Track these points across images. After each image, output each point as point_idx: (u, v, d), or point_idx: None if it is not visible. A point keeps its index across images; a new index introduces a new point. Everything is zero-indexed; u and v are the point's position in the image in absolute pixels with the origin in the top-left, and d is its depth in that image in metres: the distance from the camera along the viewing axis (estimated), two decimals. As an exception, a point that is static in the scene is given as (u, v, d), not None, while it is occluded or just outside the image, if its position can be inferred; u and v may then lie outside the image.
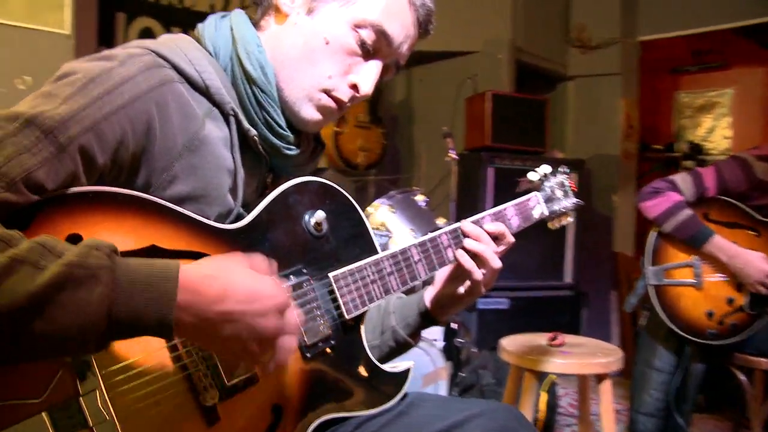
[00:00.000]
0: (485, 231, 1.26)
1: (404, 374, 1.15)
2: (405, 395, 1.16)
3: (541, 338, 2.22)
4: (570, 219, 1.58)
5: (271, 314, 0.87)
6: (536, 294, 3.70)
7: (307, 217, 1.09)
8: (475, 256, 1.24)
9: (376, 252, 1.16)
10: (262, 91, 1.07)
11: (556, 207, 1.49)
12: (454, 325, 3.10)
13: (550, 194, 1.49)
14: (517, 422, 1.10)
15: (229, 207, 1.05)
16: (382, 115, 4.36)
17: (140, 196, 0.93)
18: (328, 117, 1.11)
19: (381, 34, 1.09)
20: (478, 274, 1.23)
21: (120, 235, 0.90)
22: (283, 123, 1.10)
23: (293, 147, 1.12)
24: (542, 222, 1.51)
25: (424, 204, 3.07)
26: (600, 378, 2.04)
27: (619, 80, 4.56)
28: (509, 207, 1.37)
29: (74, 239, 0.85)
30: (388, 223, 2.95)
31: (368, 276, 1.13)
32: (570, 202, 1.54)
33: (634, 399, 2.51)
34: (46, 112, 0.86)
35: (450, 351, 2.89)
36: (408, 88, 4.79)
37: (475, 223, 1.27)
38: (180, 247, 0.96)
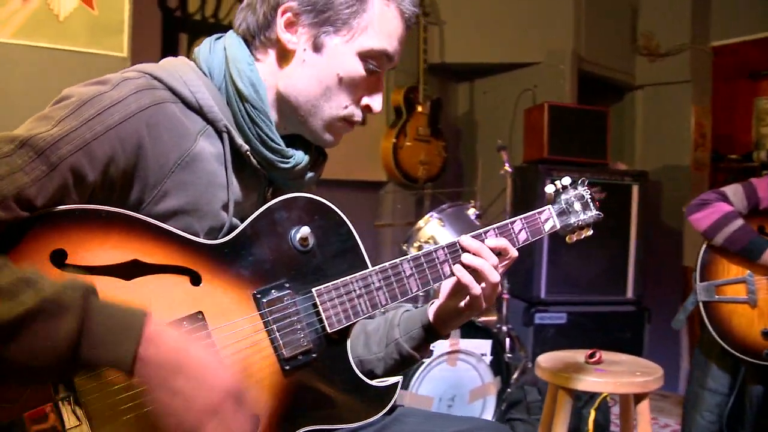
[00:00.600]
0: (486, 246, 1.23)
1: (391, 389, 1.15)
2: (393, 410, 1.15)
3: (580, 355, 2.14)
4: (590, 232, 1.52)
5: (224, 380, 0.90)
6: (596, 309, 3.58)
7: (292, 232, 1.11)
8: (474, 270, 1.21)
9: (366, 267, 1.16)
10: (254, 107, 1.11)
11: (572, 220, 1.44)
12: (506, 339, 3.04)
13: (564, 207, 1.44)
14: None
15: (222, 221, 1.08)
16: (442, 128, 4.34)
17: (125, 213, 0.98)
18: (342, 135, 1.20)
19: (385, 56, 1.15)
20: (477, 288, 1.21)
21: (104, 250, 0.95)
22: (276, 138, 1.13)
23: (288, 160, 1.15)
24: (556, 235, 1.47)
25: (474, 217, 3.04)
26: (638, 398, 1.95)
27: (690, 87, 4.36)
28: (518, 220, 1.34)
29: (59, 254, 0.91)
30: (437, 236, 2.94)
31: (354, 291, 1.13)
32: (589, 215, 1.48)
33: (686, 420, 2.38)
34: (40, 134, 0.92)
35: (499, 366, 2.83)
36: (470, 100, 4.76)
37: (477, 237, 1.24)
38: (161, 262, 1.00)
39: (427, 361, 2.71)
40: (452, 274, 1.22)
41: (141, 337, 0.85)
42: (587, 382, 1.89)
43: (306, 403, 1.08)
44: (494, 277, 1.21)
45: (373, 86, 1.16)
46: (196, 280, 1.02)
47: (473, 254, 1.22)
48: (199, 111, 1.08)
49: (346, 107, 1.14)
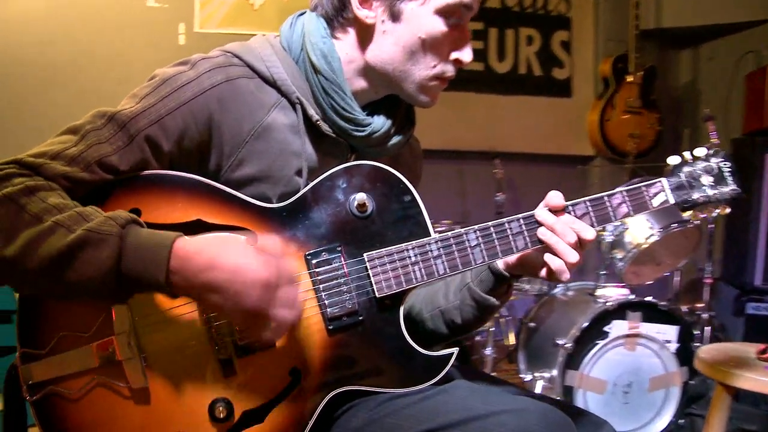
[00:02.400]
0: (562, 222, 1.11)
1: (443, 359, 1.10)
2: (445, 380, 1.10)
3: (752, 349, 1.83)
4: (725, 210, 1.30)
5: (254, 289, 0.92)
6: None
7: (351, 198, 1.11)
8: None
9: (428, 234, 1.12)
10: (326, 78, 1.14)
11: (695, 195, 1.24)
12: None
13: (685, 181, 1.25)
14: (545, 427, 0.97)
15: (295, 187, 1.13)
16: (657, 99, 3.94)
17: (192, 178, 1.07)
18: (439, 93, 1.19)
19: (463, 7, 1.13)
20: (555, 263, 1.11)
21: (172, 209, 1.06)
22: (350, 107, 1.15)
23: (363, 128, 1.16)
24: (676, 211, 1.28)
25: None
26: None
27: None
28: (618, 193, 1.19)
29: (135, 212, 1.03)
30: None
31: (409, 258, 1.10)
32: (722, 191, 1.26)
33: None
34: (125, 109, 1.05)
35: (687, 355, 2.53)
36: (691, 68, 4.23)
37: (559, 210, 1.13)
38: (222, 222, 1.07)
39: (601, 342, 2.52)
40: (525, 247, 1.13)
41: (170, 259, 0.92)
42: (749, 380, 1.61)
43: (349, 364, 1.08)
44: (569, 256, 1.10)
45: (458, 39, 1.14)
46: (252, 239, 1.07)
47: (547, 229, 1.11)
48: (273, 84, 1.14)
49: (435, 66, 1.14)
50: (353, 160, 1.19)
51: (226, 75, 1.10)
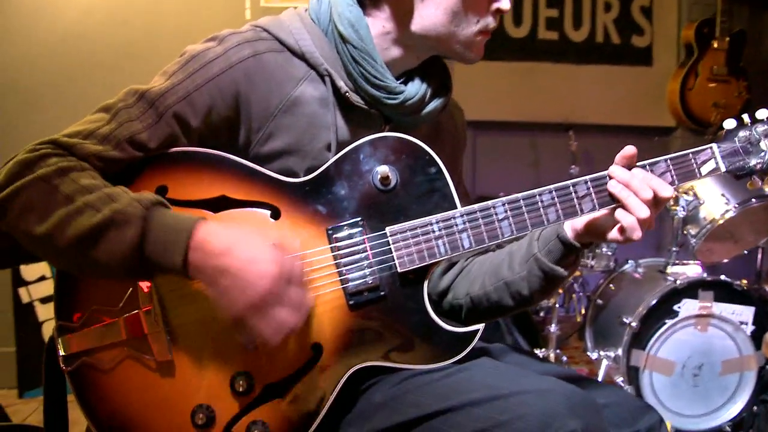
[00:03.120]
0: (646, 178, 1.08)
1: (468, 336, 1.06)
2: (471, 357, 1.07)
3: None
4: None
5: (263, 282, 0.93)
6: None
7: (374, 171, 1.08)
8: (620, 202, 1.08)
9: (454, 207, 1.08)
10: (355, 47, 1.11)
11: (752, 162, 1.15)
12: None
13: (740, 147, 1.15)
14: (568, 409, 0.92)
15: (324, 160, 1.12)
16: (746, 66, 3.66)
17: (217, 154, 1.08)
18: (483, 47, 1.17)
19: None
20: (627, 219, 1.07)
21: (197, 186, 1.07)
22: (381, 74, 1.12)
23: (396, 96, 1.13)
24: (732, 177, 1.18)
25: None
26: None
27: None
28: (661, 161, 1.11)
29: (162, 189, 1.05)
30: (698, 188, 2.53)
31: (432, 232, 1.07)
32: (788, 157, 1.15)
33: None
34: (155, 87, 1.06)
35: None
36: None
37: (634, 167, 1.09)
38: (246, 197, 1.07)
39: (669, 321, 2.39)
40: (593, 209, 1.10)
41: (189, 243, 0.93)
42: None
43: (371, 340, 1.06)
44: (641, 211, 1.05)
45: None
46: (275, 214, 1.07)
47: (621, 183, 1.08)
48: (302, 57, 1.13)
49: (478, 21, 1.12)
50: (387, 131, 1.16)
51: (254, 49, 1.09)
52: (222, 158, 1.07)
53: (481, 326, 1.07)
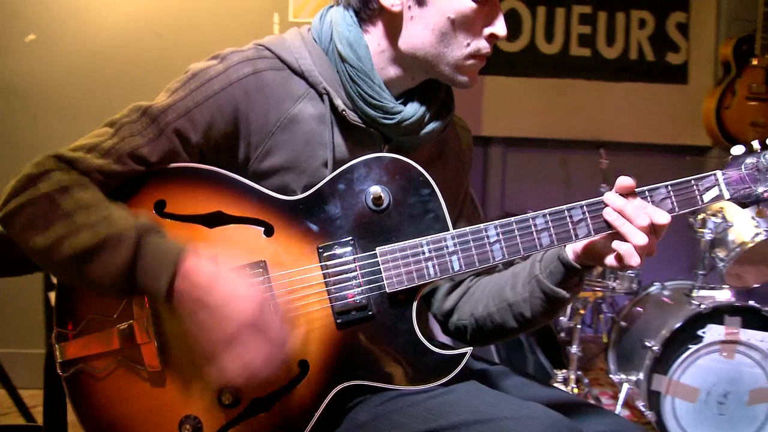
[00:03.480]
0: (641, 205, 1.06)
1: (455, 359, 1.05)
2: (458, 379, 1.06)
3: None
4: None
5: (237, 318, 0.95)
6: None
7: (367, 191, 1.09)
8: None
9: (447, 229, 1.08)
10: (352, 66, 1.12)
11: (760, 189, 1.12)
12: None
13: (746, 174, 1.12)
14: None
15: (321, 178, 1.13)
16: (786, 83, 3.56)
17: (214, 171, 1.10)
18: (478, 72, 1.16)
19: None
20: (623, 247, 1.05)
21: (195, 201, 1.09)
22: (378, 95, 1.12)
23: (392, 116, 1.13)
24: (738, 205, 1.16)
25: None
26: None
27: None
28: (661, 187, 1.09)
29: (161, 204, 1.08)
30: (727, 209, 2.47)
31: (422, 253, 1.07)
32: (798, 186, 1.12)
33: None
34: (157, 103, 1.10)
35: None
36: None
37: (630, 195, 1.07)
38: (241, 214, 1.10)
39: (693, 347, 2.33)
40: (588, 235, 1.08)
41: (175, 273, 0.96)
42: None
43: (357, 359, 1.06)
44: (637, 238, 1.03)
45: (489, 14, 1.10)
46: (269, 231, 1.09)
47: (615, 210, 1.06)
48: (301, 75, 1.15)
49: (468, 44, 1.10)
50: (386, 151, 1.17)
51: (254, 68, 1.12)
52: (219, 175, 1.10)
53: (468, 350, 1.06)
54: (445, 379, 1.06)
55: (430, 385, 1.06)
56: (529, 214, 1.09)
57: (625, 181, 1.07)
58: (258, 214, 1.09)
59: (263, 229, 1.08)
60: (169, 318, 1.05)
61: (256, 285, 0.99)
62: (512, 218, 1.08)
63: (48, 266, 1.03)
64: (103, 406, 1.04)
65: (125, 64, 2.99)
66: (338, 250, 1.08)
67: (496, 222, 1.08)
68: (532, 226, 1.08)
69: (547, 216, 1.08)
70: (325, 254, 1.07)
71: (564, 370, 2.84)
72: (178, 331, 1.04)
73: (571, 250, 1.13)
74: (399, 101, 1.16)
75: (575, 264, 1.13)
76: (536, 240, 1.08)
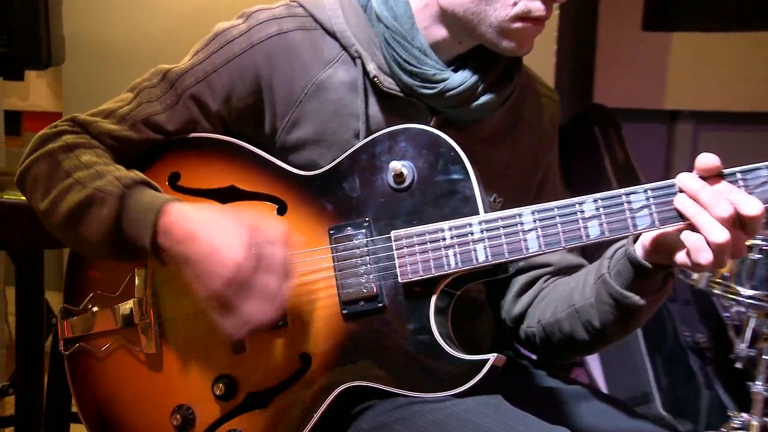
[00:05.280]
0: (724, 190, 1.00)
1: (476, 365, 1.08)
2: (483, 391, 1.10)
3: None
4: None
5: (224, 271, 1.03)
6: None
7: (389, 166, 1.16)
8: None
9: (476, 213, 1.13)
10: (387, 27, 1.19)
11: None
12: None
13: None
14: None
15: None
16: None
17: (231, 142, 1.24)
18: (531, 38, 1.17)
19: None
20: (691, 239, 1.01)
21: (209, 175, 1.24)
22: (416, 59, 1.18)
23: (433, 86, 1.18)
24: None
25: None
26: None
27: None
28: (763, 168, 1.01)
29: (175, 176, 1.25)
30: None
31: (442, 240, 1.12)
32: None
33: None
34: (177, 67, 1.25)
35: None
36: None
37: (714, 177, 1.01)
38: (255, 189, 1.22)
39: None
40: (651, 226, 1.05)
41: (156, 228, 1.08)
42: None
43: (363, 356, 1.13)
44: (712, 233, 0.97)
45: None
46: (282, 209, 1.20)
47: (690, 197, 1.01)
48: (334, 36, 1.23)
49: (515, 3, 1.11)
50: (433, 125, 1.21)
51: (279, 27, 1.22)
52: (236, 146, 1.23)
53: (491, 356, 1.08)
54: (461, 388, 1.09)
55: (444, 393, 1.10)
56: (575, 199, 1.09)
57: (706, 159, 0.99)
58: (272, 190, 1.20)
59: (277, 206, 1.20)
60: (170, 296, 1.19)
61: (245, 230, 1.04)
62: (554, 202, 1.10)
63: (53, 230, 1.19)
64: (100, 387, 1.22)
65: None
66: (350, 232, 1.16)
67: (534, 206, 1.10)
68: (578, 213, 1.08)
69: (599, 201, 1.07)
70: (336, 236, 1.16)
71: (744, 414, 2.66)
72: (178, 311, 1.19)
73: (640, 244, 1.10)
74: (451, 68, 1.20)
75: (643, 261, 1.09)
76: (582, 230, 1.07)
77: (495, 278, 1.16)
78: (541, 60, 2.52)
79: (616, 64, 3.58)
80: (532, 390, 1.23)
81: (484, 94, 1.20)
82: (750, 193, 0.99)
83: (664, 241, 1.07)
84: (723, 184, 1.00)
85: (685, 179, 1.02)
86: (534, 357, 1.45)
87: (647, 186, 1.06)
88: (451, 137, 1.14)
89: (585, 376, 2.93)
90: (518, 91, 1.28)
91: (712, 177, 1.01)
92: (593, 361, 2.85)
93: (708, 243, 0.98)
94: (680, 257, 1.04)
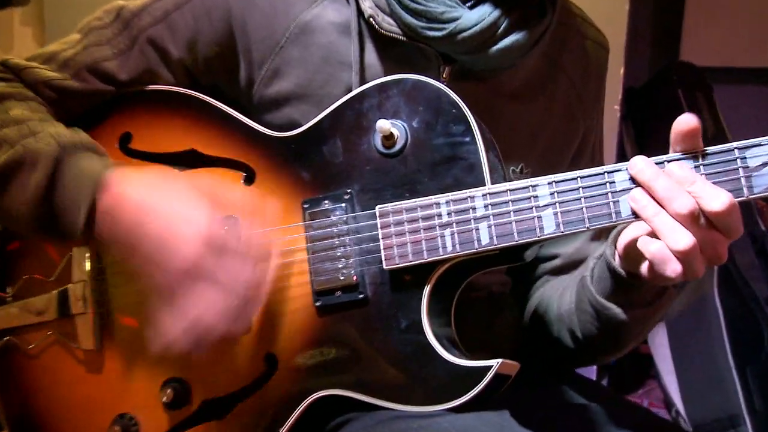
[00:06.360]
0: (670, 176, 0.89)
1: (477, 374, 0.99)
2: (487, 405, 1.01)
3: None
4: None
5: (188, 248, 0.96)
6: None
7: (377, 127, 1.06)
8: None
9: (482, 185, 1.03)
10: None
11: None
12: None
13: None
14: None
15: None
16: None
17: (194, 97, 1.17)
18: None
19: None
20: (651, 248, 0.91)
21: (166, 135, 1.18)
22: None
23: (442, 26, 1.08)
24: None
25: None
26: None
27: None
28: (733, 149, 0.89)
29: (126, 137, 1.18)
30: None
31: (437, 217, 1.03)
32: None
33: None
34: (131, 4, 1.18)
35: None
36: None
37: (678, 161, 0.90)
38: (218, 154, 1.15)
39: None
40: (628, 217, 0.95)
41: (93, 204, 1.00)
42: None
43: (341, 358, 1.06)
44: (670, 237, 0.87)
45: None
46: (250, 177, 1.13)
47: (644, 186, 0.91)
48: None
49: None
50: (447, 75, 1.14)
51: None
52: (199, 102, 1.16)
53: (495, 362, 0.99)
54: (456, 401, 1.00)
55: (437, 407, 1.01)
56: (606, 166, 0.99)
57: (683, 122, 0.88)
58: (239, 155, 1.13)
59: (244, 174, 1.12)
60: (116, 282, 1.13)
61: (204, 212, 0.98)
62: (578, 171, 0.99)
63: None
64: (30, 391, 1.16)
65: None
66: (328, 206, 1.08)
67: (552, 176, 0.99)
68: (607, 185, 0.97)
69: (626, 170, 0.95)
70: (311, 211, 1.08)
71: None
72: (124, 300, 1.13)
73: (622, 245, 0.99)
74: (468, 3, 1.10)
75: (618, 269, 1.01)
76: (611, 206, 0.96)
77: (501, 266, 1.06)
78: (611, 3, 2.37)
79: (708, 13, 3.41)
80: (550, 407, 1.14)
81: (507, 35, 1.09)
82: (748, 176, 0.88)
83: (635, 247, 0.95)
84: (686, 170, 0.88)
85: (638, 164, 0.90)
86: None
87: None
88: (469, 92, 1.05)
89: (658, 391, 2.80)
90: (555, 30, 1.17)
91: (684, 156, 0.89)
92: (668, 375, 2.71)
93: (669, 248, 0.87)
94: (643, 268, 0.95)
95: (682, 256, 0.86)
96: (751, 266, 2.65)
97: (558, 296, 1.19)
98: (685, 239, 0.85)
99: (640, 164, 0.90)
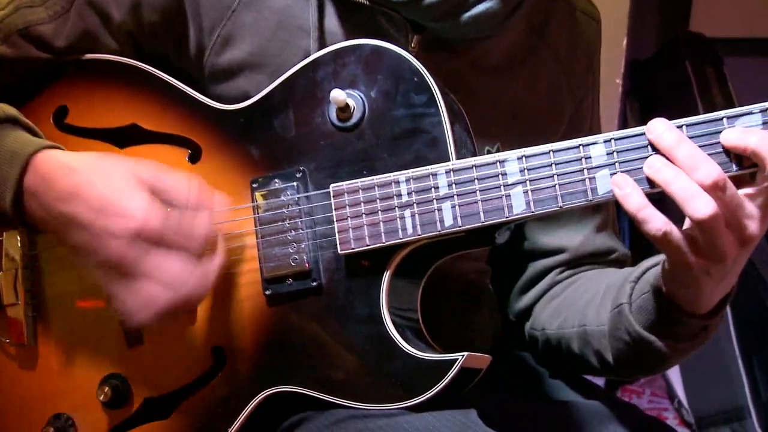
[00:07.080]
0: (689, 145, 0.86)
1: (441, 368, 0.97)
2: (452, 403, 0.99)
3: None
4: None
5: (121, 238, 0.93)
6: None
7: (330, 98, 1.04)
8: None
9: (447, 160, 1.01)
10: None
11: None
12: None
13: None
14: None
15: None
16: None
17: (138, 68, 1.14)
18: None
19: None
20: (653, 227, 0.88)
21: (105, 109, 1.15)
22: None
23: None
24: None
25: None
26: None
27: None
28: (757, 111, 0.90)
29: (61, 111, 1.16)
30: None
31: (397, 196, 1.00)
32: None
33: None
34: None
35: None
36: None
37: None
38: (162, 129, 1.13)
39: None
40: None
41: (20, 185, 0.97)
42: None
43: (293, 351, 1.04)
44: (692, 206, 0.83)
45: None
46: (195, 155, 1.11)
47: (665, 151, 0.87)
48: None
49: None
50: (416, 45, 1.11)
51: None
52: (142, 73, 1.13)
53: (461, 355, 0.97)
54: (417, 399, 0.98)
55: (396, 405, 0.99)
56: (581, 139, 0.96)
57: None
58: (184, 131, 1.11)
59: (189, 151, 1.10)
60: (51, 269, 1.11)
61: (145, 181, 0.96)
62: (550, 144, 0.96)
63: None
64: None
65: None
66: (278, 186, 1.05)
67: (523, 150, 0.96)
68: (583, 160, 0.94)
69: (614, 142, 0.93)
70: (260, 191, 1.06)
71: None
72: (60, 288, 1.10)
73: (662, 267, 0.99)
74: None
75: (679, 301, 0.98)
76: (587, 182, 0.94)
77: (470, 250, 1.04)
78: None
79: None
80: (533, 404, 1.14)
81: (480, 1, 1.06)
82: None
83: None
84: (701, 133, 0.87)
85: (657, 128, 0.87)
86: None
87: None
88: (441, 64, 1.05)
89: (661, 381, 2.80)
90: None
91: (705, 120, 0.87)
92: (671, 365, 2.72)
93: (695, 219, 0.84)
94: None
95: (704, 226, 0.83)
96: (759, 249, 2.63)
97: (577, 310, 1.17)
98: (707, 207, 0.82)
99: (660, 128, 0.86)
